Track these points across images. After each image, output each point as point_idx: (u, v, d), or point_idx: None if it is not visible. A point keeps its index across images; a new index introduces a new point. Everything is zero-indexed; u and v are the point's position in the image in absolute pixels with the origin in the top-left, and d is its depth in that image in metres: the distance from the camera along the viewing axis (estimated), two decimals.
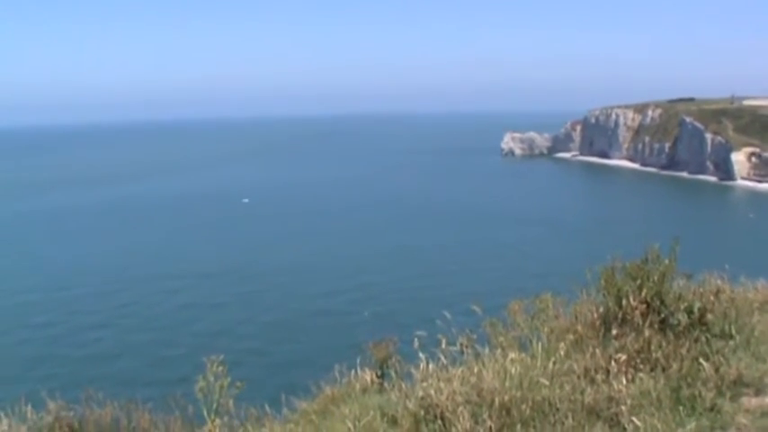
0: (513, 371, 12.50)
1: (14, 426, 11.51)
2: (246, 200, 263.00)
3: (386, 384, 13.47)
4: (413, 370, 13.57)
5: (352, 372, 14.20)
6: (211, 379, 11.76)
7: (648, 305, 15.15)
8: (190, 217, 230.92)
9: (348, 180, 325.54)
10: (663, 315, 15.15)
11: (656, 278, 15.45)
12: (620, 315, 15.14)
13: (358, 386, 13.57)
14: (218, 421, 11.29)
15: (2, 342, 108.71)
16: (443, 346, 13.44)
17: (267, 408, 12.88)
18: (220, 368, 11.80)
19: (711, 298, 16.16)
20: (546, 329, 15.32)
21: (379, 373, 13.92)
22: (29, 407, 11.76)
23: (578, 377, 12.69)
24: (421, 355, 13.27)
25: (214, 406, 11.75)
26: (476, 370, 12.49)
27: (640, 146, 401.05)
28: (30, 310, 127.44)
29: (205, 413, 11.73)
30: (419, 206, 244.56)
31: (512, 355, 13.38)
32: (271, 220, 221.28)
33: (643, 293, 15.28)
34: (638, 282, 15.42)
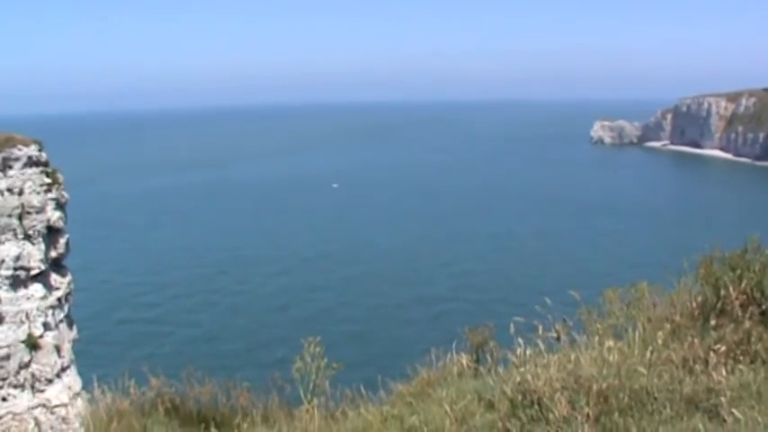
0: (610, 359, 12.36)
1: (118, 400, 11.90)
2: (336, 185, 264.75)
3: (481, 369, 13.48)
4: (508, 355, 13.55)
5: (448, 356, 14.24)
6: (308, 360, 11.93)
7: (748, 296, 14.77)
8: (281, 201, 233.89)
9: (436, 167, 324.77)
10: (763, 307, 14.74)
11: (756, 269, 15.04)
12: (718, 306, 14.79)
13: (454, 370, 13.60)
14: (315, 401, 11.45)
15: (107, 320, 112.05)
16: (540, 332, 13.38)
17: (363, 389, 13.01)
18: (317, 349, 11.96)
19: None
20: (642, 318, 15.08)
21: (474, 357, 13.94)
22: (132, 382, 12.15)
23: (676, 367, 12.48)
24: (520, 340, 13.23)
25: (311, 387, 11.92)
26: (573, 357, 12.39)
27: (733, 135, 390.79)
28: (132, 290, 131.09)
29: (302, 393, 11.91)
30: (511, 193, 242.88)
31: (609, 342, 13.23)
32: (361, 205, 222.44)
33: (743, 284, 14.89)
34: (738, 272, 15.02)
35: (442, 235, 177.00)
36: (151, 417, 11.48)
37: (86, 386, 11.52)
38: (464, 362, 13.84)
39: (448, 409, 11.16)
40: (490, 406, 11.31)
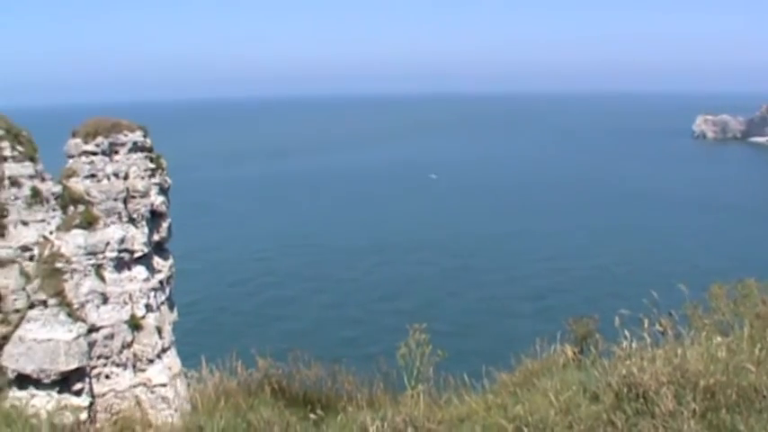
0: (718, 355, 12.16)
1: (225, 379, 12.17)
2: (434, 175, 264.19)
3: (585, 360, 13.40)
4: (612, 348, 13.41)
5: (552, 347, 14.17)
6: (413, 346, 12.02)
7: None
8: (380, 190, 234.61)
9: (532, 160, 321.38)
10: None
11: None
12: None
13: (559, 361, 13.54)
14: (419, 387, 11.54)
15: (209, 303, 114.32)
16: (646, 325, 13.21)
17: (466, 378, 13.05)
18: (422, 336, 12.04)
19: None
20: (750, 315, 14.77)
21: (578, 349, 13.85)
22: (239, 363, 12.41)
23: None
24: (626, 333, 13.09)
25: (415, 373, 12.02)
26: (679, 351, 12.23)
27: None
28: (233, 275, 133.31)
29: (406, 380, 12.02)
30: (610, 188, 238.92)
31: (716, 338, 13.01)
32: (459, 196, 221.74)
33: None
34: None
35: (542, 229, 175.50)
36: (258, 397, 11.79)
37: (194, 366, 11.77)
38: (568, 353, 13.76)
39: (553, 399, 11.15)
40: (595, 398, 11.26)
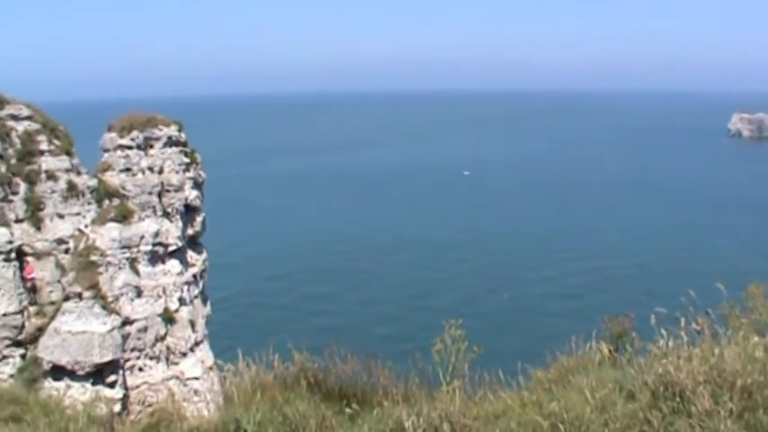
0: (756, 355, 12.09)
1: (262, 373, 12.24)
2: (467, 172, 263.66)
3: (620, 358, 13.37)
4: (648, 346, 13.37)
5: (588, 345, 14.13)
6: (449, 342, 12.04)
7: None
8: (413, 186, 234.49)
9: (565, 157, 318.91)
10: None
11: None
12: None
13: (595, 358, 13.52)
14: (456, 383, 11.56)
15: (249, 297, 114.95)
16: (683, 324, 13.16)
17: (501, 374, 13.07)
18: (458, 332, 12.06)
19: None
20: None
21: (614, 347, 13.83)
22: (276, 356, 12.47)
23: None
24: (663, 331, 13.03)
25: (450, 368, 12.03)
26: (716, 351, 12.16)
27: None
28: (266, 269, 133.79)
29: (441, 375, 12.04)
30: (645, 186, 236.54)
31: (754, 338, 12.93)
32: (493, 194, 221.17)
33: None
34: None
35: (578, 227, 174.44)
36: (294, 391, 11.85)
37: (231, 360, 11.88)
38: (604, 351, 13.74)
39: (589, 396, 11.12)
40: (630, 396, 11.23)
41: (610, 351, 13.71)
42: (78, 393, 32.69)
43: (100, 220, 36.14)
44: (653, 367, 11.77)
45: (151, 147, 37.45)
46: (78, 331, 34.30)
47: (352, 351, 12.31)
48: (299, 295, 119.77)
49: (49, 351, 35.05)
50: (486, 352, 12.46)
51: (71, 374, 35.01)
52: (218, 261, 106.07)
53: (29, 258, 36.40)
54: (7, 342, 35.45)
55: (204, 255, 41.45)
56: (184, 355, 38.75)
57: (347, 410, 11.23)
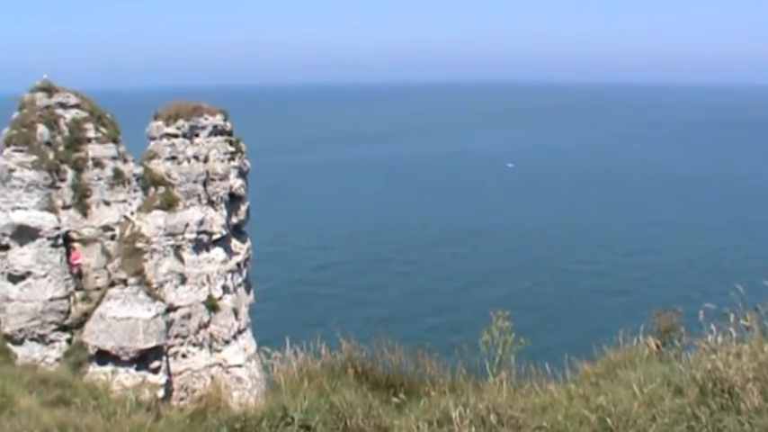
0: None
1: (309, 361, 12.31)
2: (511, 164, 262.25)
3: (668, 353, 13.29)
4: (696, 341, 13.27)
5: (635, 339, 14.03)
6: (496, 334, 12.02)
7: None
8: (456, 178, 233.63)
9: (612, 151, 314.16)
10: None
11: None
12: None
13: (643, 353, 13.45)
14: (503, 374, 11.55)
15: (297, 286, 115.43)
16: (732, 320, 13.04)
17: (547, 367, 13.03)
18: (505, 324, 12.04)
19: None
20: None
21: (661, 342, 13.75)
22: (323, 345, 12.52)
23: None
24: (713, 327, 12.92)
25: (496, 360, 12.02)
26: (766, 348, 12.03)
27: None
28: (311, 259, 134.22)
29: (487, 366, 12.03)
30: (700, 181, 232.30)
31: None
32: (537, 186, 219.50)
33: None
34: None
35: (623, 222, 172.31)
36: (341, 379, 11.84)
37: (278, 347, 11.90)
38: (651, 345, 13.64)
39: (637, 391, 11.06)
40: (678, 391, 11.14)
41: (657, 346, 13.60)
42: (122, 378, 33.19)
43: (145, 208, 36.60)
44: (701, 363, 11.66)
45: (197, 135, 37.81)
46: (123, 317, 34.81)
47: (399, 341, 12.35)
48: (346, 285, 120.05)
49: (95, 336, 35.60)
50: (533, 344, 12.44)
51: (116, 359, 35.54)
52: (264, 250, 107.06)
53: (75, 244, 36.97)
54: (54, 327, 36.08)
55: (248, 243, 41.79)
56: (227, 342, 39.18)
57: (394, 400, 11.25)
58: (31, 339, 35.45)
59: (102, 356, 35.32)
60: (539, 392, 11.69)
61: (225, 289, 38.45)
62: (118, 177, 37.18)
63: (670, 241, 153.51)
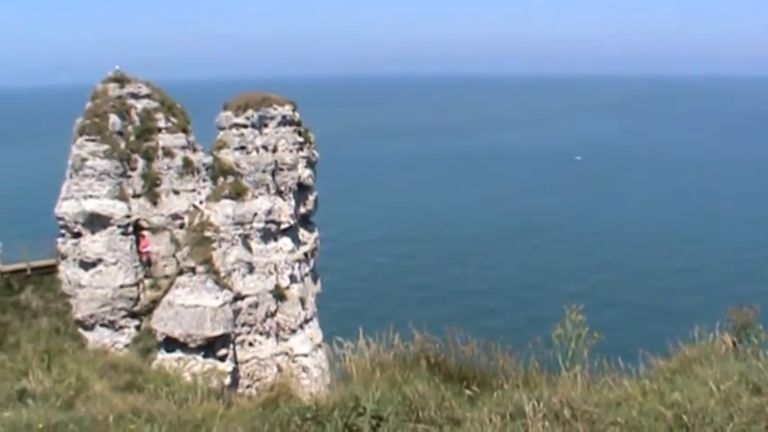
0: None
1: (382, 351, 12.36)
2: (579, 157, 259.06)
3: (744, 351, 13.08)
4: None
5: (711, 335, 13.81)
6: (569, 327, 11.94)
7: None
8: (523, 171, 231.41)
9: (688, 145, 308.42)
10: None
11: None
12: None
13: (721, 349, 13.25)
14: (576, 368, 11.47)
15: (353, 276, 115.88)
16: None
17: (621, 361, 12.89)
18: (579, 317, 11.95)
19: None
20: None
21: (737, 339, 13.55)
22: (396, 336, 12.52)
23: None
24: None
25: (569, 354, 11.94)
26: None
27: None
28: (378, 249, 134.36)
29: (560, 361, 11.95)
30: None
31: None
32: (605, 181, 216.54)
33: None
34: None
35: (699, 218, 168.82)
36: (413, 370, 11.86)
37: (350, 337, 11.98)
38: (728, 342, 13.44)
39: (714, 389, 10.92)
40: (756, 390, 10.95)
41: (734, 343, 13.40)
42: (190, 365, 33.73)
43: (214, 197, 37.09)
44: None
45: (265, 126, 38.16)
46: (191, 305, 35.38)
47: (472, 333, 12.35)
48: (417, 279, 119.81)
49: (163, 323, 36.24)
50: (606, 339, 12.32)
51: (183, 347, 36.17)
52: (334, 241, 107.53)
53: (145, 232, 37.66)
54: (123, 313, 36.84)
55: (316, 233, 42.12)
56: (294, 331, 39.55)
57: (467, 392, 11.24)
58: (102, 325, 36.25)
59: (170, 343, 35.97)
60: (612, 387, 11.58)
61: (292, 278, 38.80)
62: (187, 167, 37.74)
63: (747, 238, 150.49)
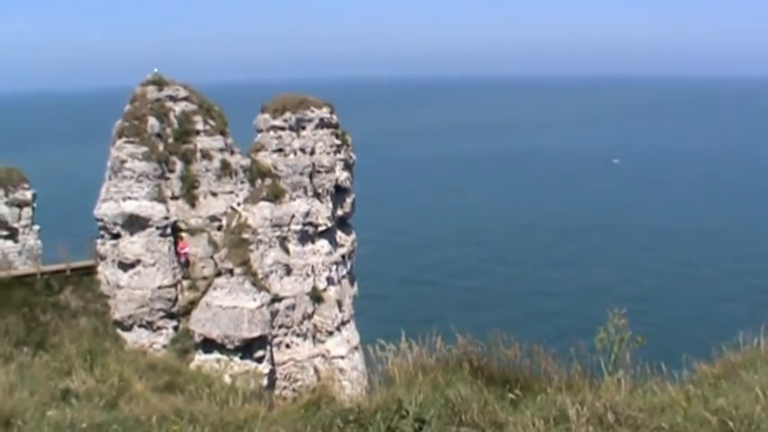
0: None
1: (425, 354, 12.40)
2: (617, 160, 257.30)
3: None
4: None
5: (755, 340, 13.72)
6: (612, 331, 11.94)
7: None
8: (559, 173, 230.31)
9: (728, 149, 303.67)
10: None
11: None
12: None
13: (766, 355, 13.16)
14: (621, 372, 11.47)
15: (392, 279, 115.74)
16: None
17: (663, 366, 12.85)
18: (622, 321, 11.94)
19: None
20: None
21: None
22: (439, 338, 12.57)
23: None
24: None
25: (612, 358, 11.94)
26: None
27: None
28: (415, 252, 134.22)
29: (603, 365, 11.95)
30: None
31: None
32: (642, 184, 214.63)
33: None
34: None
35: (741, 225, 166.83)
36: (456, 374, 11.89)
37: (393, 339, 12.04)
38: None
39: (760, 394, 10.85)
40: None
41: None
42: (227, 366, 33.94)
43: (252, 199, 37.34)
44: None
45: (303, 128, 38.38)
46: (229, 306, 35.63)
47: (515, 337, 12.34)
48: (458, 283, 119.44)
49: (201, 324, 36.53)
50: (650, 344, 12.29)
51: (221, 348, 36.43)
52: (373, 243, 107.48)
53: (183, 234, 38.00)
54: (161, 314, 37.18)
55: (353, 236, 42.28)
56: (330, 333, 39.73)
57: (509, 396, 11.26)
58: (140, 326, 36.63)
59: (208, 344, 36.26)
60: (656, 392, 11.55)
61: (329, 280, 38.97)
62: (225, 169, 38.05)
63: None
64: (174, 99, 38.12)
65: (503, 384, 12.30)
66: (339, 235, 40.59)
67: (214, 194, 38.21)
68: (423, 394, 10.76)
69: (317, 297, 38.19)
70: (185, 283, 37.58)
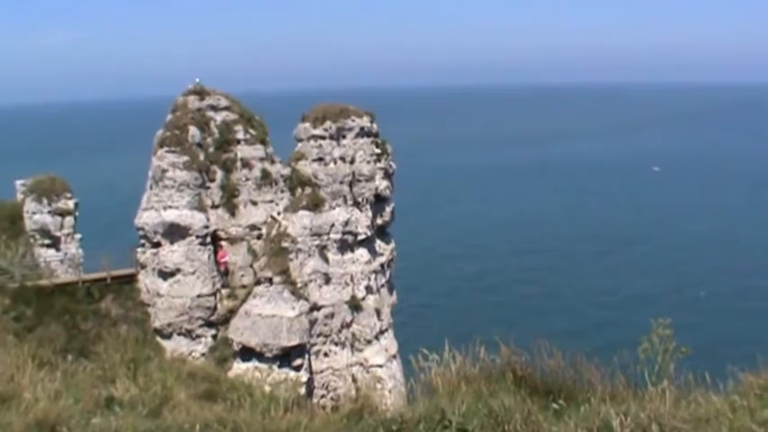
0: None
1: (468, 364, 12.43)
2: (657, 168, 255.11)
3: None
4: None
5: None
6: (656, 341, 11.91)
7: None
8: (600, 181, 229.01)
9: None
10: None
11: None
12: None
13: None
14: (665, 383, 11.42)
15: (430, 288, 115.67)
16: None
17: (708, 377, 12.77)
18: (666, 331, 11.91)
19: None
20: None
21: None
22: (482, 348, 12.59)
23: None
24: None
25: (656, 369, 11.90)
26: None
27: None
28: (455, 261, 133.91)
29: (646, 375, 11.91)
30: None
31: None
32: (682, 191, 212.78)
33: None
34: None
35: None
36: (499, 383, 11.92)
37: (437, 349, 12.09)
38: None
39: None
40: None
41: None
42: (265, 375, 34.14)
43: (292, 208, 37.56)
44: None
45: (343, 137, 38.53)
46: (268, 315, 35.82)
47: (560, 347, 12.32)
48: (500, 293, 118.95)
49: (239, 332, 36.77)
50: (694, 353, 12.24)
51: (259, 356, 36.62)
52: (413, 255, 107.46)
53: (223, 243, 38.31)
54: (200, 322, 37.48)
55: (392, 244, 42.34)
56: (369, 342, 39.80)
57: (553, 406, 11.26)
58: (179, 334, 36.94)
59: (246, 353, 36.48)
60: (701, 403, 11.49)
61: (368, 289, 39.06)
62: (265, 178, 38.29)
63: None
64: (215, 108, 38.47)
65: (546, 394, 12.30)
66: (378, 244, 40.67)
67: (254, 203, 38.46)
68: (466, 404, 10.78)
69: (355, 306, 38.30)
70: (224, 291, 37.84)
